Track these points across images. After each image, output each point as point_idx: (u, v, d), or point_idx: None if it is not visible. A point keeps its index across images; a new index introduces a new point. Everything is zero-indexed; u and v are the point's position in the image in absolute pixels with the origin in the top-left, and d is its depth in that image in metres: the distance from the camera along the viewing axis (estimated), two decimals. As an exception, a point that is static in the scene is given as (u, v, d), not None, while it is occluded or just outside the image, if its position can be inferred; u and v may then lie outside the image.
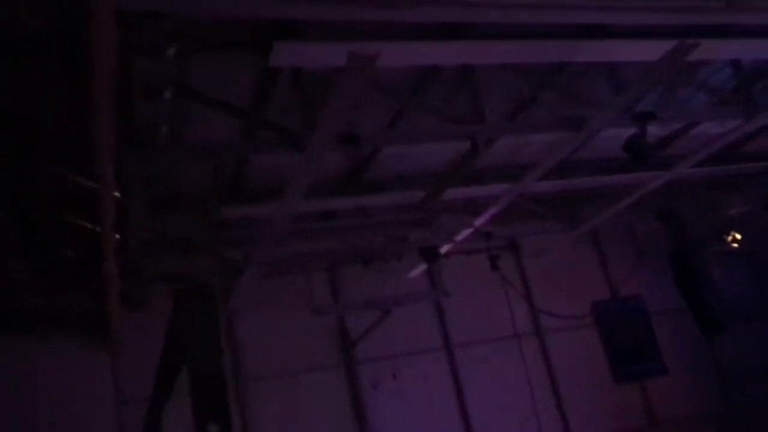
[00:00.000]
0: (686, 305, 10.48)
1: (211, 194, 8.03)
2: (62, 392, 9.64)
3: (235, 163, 7.90)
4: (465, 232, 9.58)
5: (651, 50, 6.03)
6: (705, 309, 10.11)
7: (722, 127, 8.55)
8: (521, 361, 11.38)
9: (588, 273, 13.03)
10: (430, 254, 9.75)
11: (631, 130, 7.32)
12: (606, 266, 13.18)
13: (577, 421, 11.94)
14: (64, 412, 9.52)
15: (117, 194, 6.31)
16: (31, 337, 9.88)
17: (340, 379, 11.24)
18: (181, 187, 8.32)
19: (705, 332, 11.28)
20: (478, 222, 9.39)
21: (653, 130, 7.90)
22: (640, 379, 12.66)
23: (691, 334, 12.36)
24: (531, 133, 8.02)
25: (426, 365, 11.57)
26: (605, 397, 12.25)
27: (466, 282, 11.63)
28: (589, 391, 12.13)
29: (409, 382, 11.20)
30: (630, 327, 12.91)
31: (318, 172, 6.80)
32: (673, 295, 11.00)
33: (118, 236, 7.22)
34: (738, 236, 10.62)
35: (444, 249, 9.90)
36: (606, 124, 7.35)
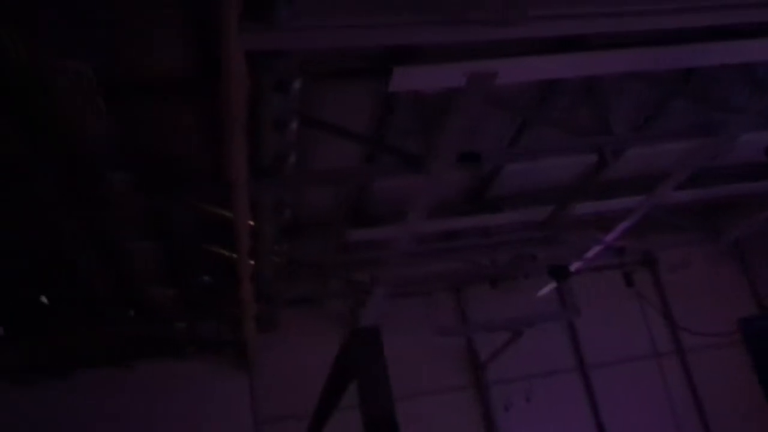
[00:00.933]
0: None
1: (336, 219, 8.23)
2: (203, 412, 10.14)
3: (358, 187, 8.06)
4: (596, 249, 9.22)
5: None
6: None
7: None
8: (662, 383, 10.75)
9: (732, 287, 12.12)
10: (559, 272, 9.47)
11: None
12: (752, 280, 12.21)
13: (728, 447, 11.09)
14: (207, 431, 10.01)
15: (250, 222, 6.61)
16: (173, 360, 10.50)
17: (471, 401, 11.08)
18: (307, 213, 8.59)
19: None
20: (610, 237, 9.01)
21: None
22: (798, 402, 11.57)
23: None
24: (662, 143, 7.62)
25: (560, 387, 11.17)
26: (760, 421, 11.29)
27: (599, 300, 11.17)
28: (741, 413, 11.22)
29: (542, 404, 10.85)
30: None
31: (440, 192, 6.80)
32: (835, 310, 10.02)
33: (252, 262, 7.55)
34: None
35: (574, 266, 9.58)
36: (745, 129, 6.85)
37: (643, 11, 4.85)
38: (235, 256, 7.31)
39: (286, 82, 4.88)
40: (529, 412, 10.75)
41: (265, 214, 6.83)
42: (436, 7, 4.16)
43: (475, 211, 9.39)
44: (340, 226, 8.24)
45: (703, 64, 6.39)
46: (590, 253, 9.32)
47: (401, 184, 7.47)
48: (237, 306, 8.53)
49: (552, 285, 10.24)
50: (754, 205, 9.57)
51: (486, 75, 4.69)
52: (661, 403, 10.58)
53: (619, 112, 7.16)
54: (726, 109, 7.08)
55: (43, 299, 8.43)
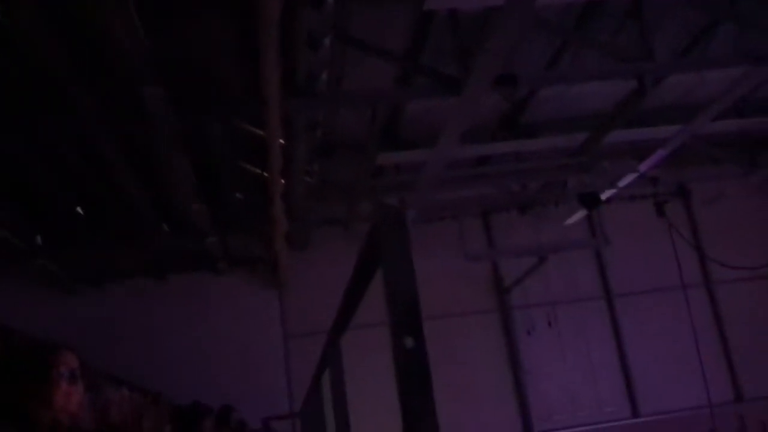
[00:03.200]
0: None
1: (369, 141, 8.20)
2: (235, 325, 10.49)
3: (391, 109, 7.99)
4: (629, 177, 9.10)
5: None
6: None
7: None
8: (687, 314, 10.74)
9: (765, 222, 11.95)
10: (590, 200, 9.38)
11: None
12: (789, 215, 12.01)
13: (750, 381, 11.18)
14: (237, 344, 10.37)
15: (282, 141, 6.64)
16: (208, 275, 10.80)
17: (495, 324, 11.28)
18: (339, 134, 8.58)
19: None
20: (644, 166, 8.87)
21: None
22: (825, 338, 11.57)
23: None
24: (706, 69, 7.39)
25: (584, 314, 11.28)
26: (784, 355, 11.36)
27: (628, 229, 11.11)
28: (764, 349, 11.28)
29: (565, 330, 11.01)
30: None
31: (474, 116, 6.72)
32: None
33: (283, 181, 7.63)
34: None
35: (605, 195, 9.49)
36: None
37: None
38: (266, 174, 7.38)
39: (322, -3, 4.81)
40: (550, 336, 10.92)
41: (298, 133, 6.84)
42: None
43: (508, 136, 9.29)
44: (371, 149, 8.23)
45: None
46: (623, 182, 9.21)
47: (435, 106, 7.40)
48: (268, 224, 8.66)
49: (582, 213, 10.18)
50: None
51: (527, -7, 4.55)
52: (685, 334, 10.61)
53: (662, 37, 6.93)
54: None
55: (79, 210, 8.65)
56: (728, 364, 11.35)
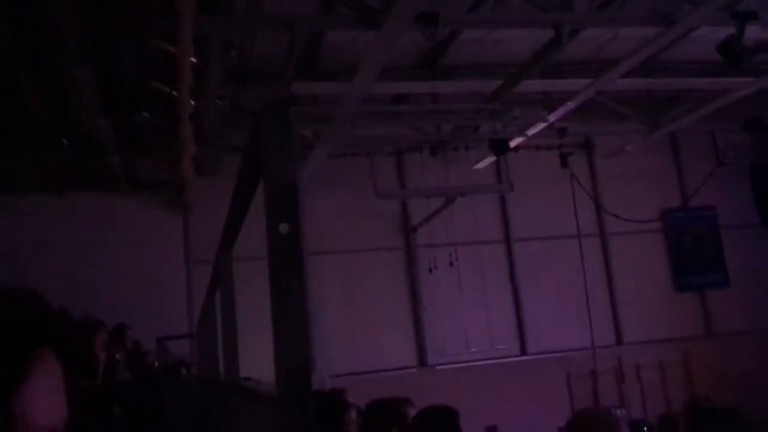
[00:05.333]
0: (761, 220, 10.13)
1: (285, 69, 8.02)
2: (136, 247, 10.23)
3: (311, 38, 7.83)
4: (538, 126, 9.36)
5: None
6: (780, 225, 9.77)
7: (832, 33, 7.91)
8: (580, 262, 11.36)
9: (662, 179, 12.65)
10: (499, 146, 9.61)
11: (729, 31, 6.85)
12: (681, 174, 12.75)
13: (631, 326, 12.00)
14: (138, 266, 10.14)
15: (194, 60, 6.40)
16: (110, 195, 10.42)
17: (399, 261, 11.53)
18: (255, 59, 8.34)
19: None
20: (554, 117, 9.14)
21: (753, 32, 7.38)
22: (700, 290, 12.53)
23: (760, 249, 12.06)
24: (619, 26, 7.62)
25: (484, 256, 11.70)
26: (663, 305, 12.22)
27: (533, 177, 11.50)
28: (648, 297, 12.10)
29: (465, 271, 11.39)
30: (697, 237, 12.65)
31: (393, 52, 6.67)
32: (747, 210, 10.65)
33: (193, 102, 7.38)
34: (828, 152, 10.04)
35: (514, 142, 9.74)
36: (702, 21, 6.89)
37: None
38: (176, 93, 7.12)
39: None
40: (451, 276, 11.28)
41: (211, 53, 6.61)
42: None
43: (426, 77, 9.32)
44: (287, 77, 8.06)
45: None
46: (532, 131, 9.47)
47: (356, 39, 7.31)
48: (175, 146, 8.41)
49: (490, 159, 10.44)
50: (695, 101, 9.80)
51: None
52: (576, 280, 11.24)
53: (582, -10, 7.04)
54: (689, 0, 7.06)
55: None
56: (612, 311, 12.11)
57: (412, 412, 2.96)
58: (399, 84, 8.97)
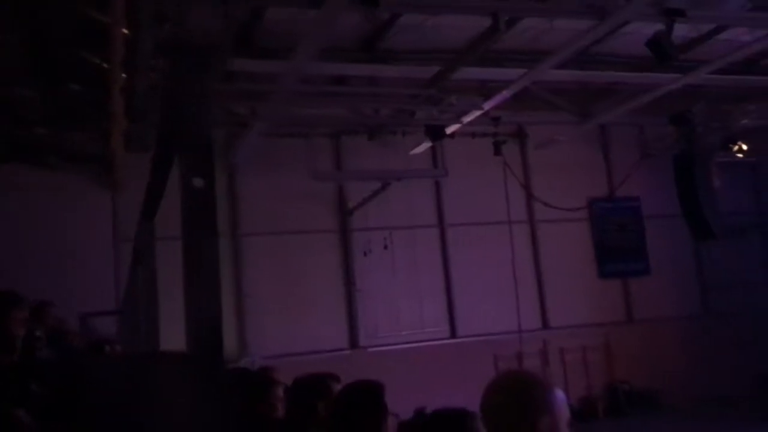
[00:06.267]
0: (682, 210, 10.58)
1: (222, 44, 7.87)
2: (63, 223, 9.89)
3: (250, 13, 7.70)
4: (474, 114, 9.51)
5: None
6: (700, 216, 10.21)
7: (751, 35, 8.31)
8: (510, 247, 11.63)
9: (590, 169, 13.05)
10: (435, 132, 9.73)
11: (658, 28, 7.11)
12: (609, 165, 13.19)
13: (556, 311, 12.38)
14: (64, 243, 9.81)
15: (126, 31, 6.20)
16: (38, 169, 10.01)
17: (334, 244, 11.54)
18: (190, 32, 8.14)
19: (696, 239, 11.46)
20: (489, 105, 9.30)
21: (681, 31, 7.68)
22: (623, 277, 13.03)
23: (681, 240, 12.59)
24: (555, 17, 7.79)
25: (418, 240, 11.84)
26: (587, 291, 12.65)
27: (467, 164, 11.69)
28: (573, 283, 12.49)
29: (399, 254, 11.51)
30: (622, 226, 13.14)
31: (333, 33, 6.67)
32: (670, 201, 11.09)
33: (125, 75, 7.16)
34: (744, 147, 10.52)
35: (450, 129, 9.86)
36: (633, 16, 7.12)
37: None
38: (106, 65, 6.89)
39: None
40: (385, 259, 11.37)
41: (144, 24, 6.42)
42: None
43: (365, 60, 9.31)
44: (224, 53, 7.91)
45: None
46: (468, 118, 9.61)
47: (295, 17, 7.23)
48: (106, 120, 8.15)
49: (426, 144, 10.55)
50: (625, 94, 10.14)
51: None
52: (506, 264, 11.51)
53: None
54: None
55: None
56: (539, 296, 12.47)
57: (338, 388, 2.99)
58: (338, 65, 8.94)
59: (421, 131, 10.05)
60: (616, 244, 13.08)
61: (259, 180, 10.97)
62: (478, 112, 9.47)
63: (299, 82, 8.07)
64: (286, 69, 7.55)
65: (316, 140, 11.41)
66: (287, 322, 10.81)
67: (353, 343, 11.29)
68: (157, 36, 6.98)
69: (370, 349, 11.08)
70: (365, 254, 11.30)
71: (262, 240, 10.96)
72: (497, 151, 10.90)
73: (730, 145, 10.56)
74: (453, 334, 11.83)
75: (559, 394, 1.84)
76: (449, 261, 12.06)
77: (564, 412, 1.82)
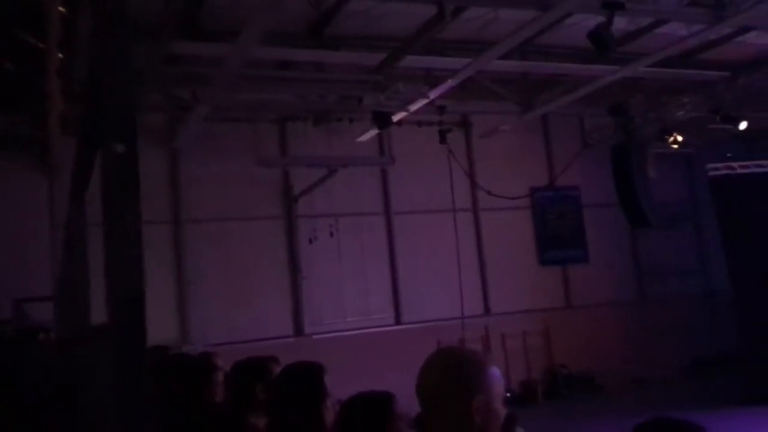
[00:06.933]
0: (619, 200, 10.91)
1: (165, 25, 7.71)
2: (-2, 208, 9.55)
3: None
4: (420, 102, 9.56)
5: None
6: (636, 206, 10.55)
7: (688, 30, 8.59)
8: (454, 236, 11.77)
9: (532, 159, 13.32)
10: (382, 119, 9.74)
11: (599, 20, 7.28)
12: (550, 155, 13.47)
13: (498, 297, 12.62)
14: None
15: (62, 9, 6.01)
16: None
17: (279, 231, 11.46)
18: (132, 12, 7.94)
19: (632, 227, 11.85)
20: (435, 93, 9.37)
21: (621, 24, 7.89)
22: (562, 264, 13.36)
23: (618, 228, 12.99)
24: (499, 7, 7.89)
25: (364, 227, 11.87)
26: (528, 278, 12.92)
27: (413, 152, 11.77)
28: (514, 270, 12.74)
29: (345, 242, 11.52)
30: (562, 215, 13.46)
31: (279, 17, 6.60)
32: (608, 190, 11.42)
33: (61, 56, 6.93)
34: (680, 138, 10.90)
35: (396, 116, 9.90)
36: (575, 8, 7.28)
37: None
38: (42, 45, 6.66)
39: None
40: (331, 246, 11.37)
41: (81, 3, 6.23)
42: None
43: (311, 45, 9.26)
44: (168, 34, 7.75)
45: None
46: (414, 106, 9.66)
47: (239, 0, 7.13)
48: (41, 102, 7.88)
49: (373, 132, 10.56)
50: (567, 85, 10.36)
51: None
52: (450, 252, 11.65)
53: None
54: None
55: None
56: (482, 283, 12.68)
57: (278, 370, 2.98)
58: (283, 50, 8.85)
59: (367, 118, 10.06)
60: (556, 232, 13.40)
61: (203, 166, 10.80)
62: (424, 101, 9.53)
63: (244, 67, 7.97)
64: (231, 52, 7.44)
65: (262, 126, 11.29)
66: (231, 309, 10.70)
67: (298, 331, 11.26)
68: (96, 15, 6.79)
69: (315, 337, 11.07)
70: (311, 241, 11.26)
71: (206, 226, 10.81)
72: (442, 139, 11.00)
73: (666, 137, 10.90)
74: (398, 321, 11.93)
75: (494, 371, 1.82)
76: (395, 249, 12.13)
77: (499, 390, 1.81)
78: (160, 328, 8.98)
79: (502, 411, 1.81)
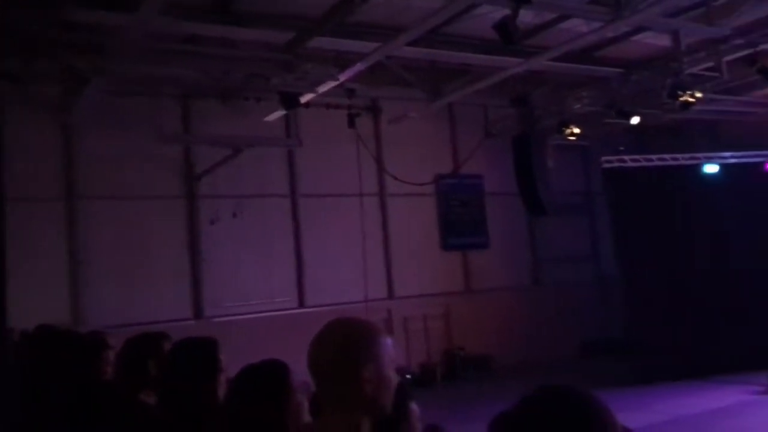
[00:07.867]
0: (518, 188, 11.26)
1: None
2: None
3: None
4: (329, 84, 9.51)
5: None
6: (534, 194, 10.94)
7: (588, 26, 8.94)
8: (360, 219, 11.83)
9: (438, 146, 13.55)
10: (289, 100, 9.62)
11: (506, 12, 7.45)
12: (455, 143, 13.74)
13: (401, 281, 12.80)
14: None
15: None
16: None
17: (180, 211, 11.13)
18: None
19: (530, 216, 12.28)
20: (344, 76, 9.33)
21: (527, 17, 8.11)
22: (464, 250, 13.71)
23: (517, 216, 13.45)
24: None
25: (269, 209, 11.71)
26: (431, 263, 13.17)
27: (321, 135, 11.71)
28: (418, 254, 12.96)
29: (249, 223, 11.32)
30: (464, 202, 13.79)
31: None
32: (509, 179, 11.78)
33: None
34: (576, 130, 11.35)
35: (304, 98, 9.80)
36: None
37: None
38: None
39: None
40: (233, 227, 11.15)
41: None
42: None
43: (218, 21, 8.99)
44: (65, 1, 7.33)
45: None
46: (322, 88, 9.59)
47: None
48: None
49: (280, 112, 10.42)
50: (473, 75, 10.57)
51: None
52: (356, 236, 11.71)
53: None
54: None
55: None
56: (386, 267, 12.81)
57: (169, 347, 2.91)
58: (188, 24, 8.55)
59: (275, 98, 9.91)
60: (459, 218, 13.72)
61: (100, 140, 10.33)
62: (333, 83, 9.48)
63: (146, 38, 7.65)
64: (131, 22, 7.13)
65: (164, 101, 10.88)
66: (127, 291, 10.34)
67: (197, 314, 11.01)
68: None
69: (215, 320, 10.86)
70: (212, 222, 11.02)
71: (102, 204, 10.35)
72: (351, 123, 11.00)
73: (564, 129, 11.34)
74: (302, 304, 11.88)
75: (385, 339, 1.78)
76: (300, 232, 12.05)
77: (390, 357, 1.76)
78: (49, 309, 8.55)
79: (394, 377, 1.77)
